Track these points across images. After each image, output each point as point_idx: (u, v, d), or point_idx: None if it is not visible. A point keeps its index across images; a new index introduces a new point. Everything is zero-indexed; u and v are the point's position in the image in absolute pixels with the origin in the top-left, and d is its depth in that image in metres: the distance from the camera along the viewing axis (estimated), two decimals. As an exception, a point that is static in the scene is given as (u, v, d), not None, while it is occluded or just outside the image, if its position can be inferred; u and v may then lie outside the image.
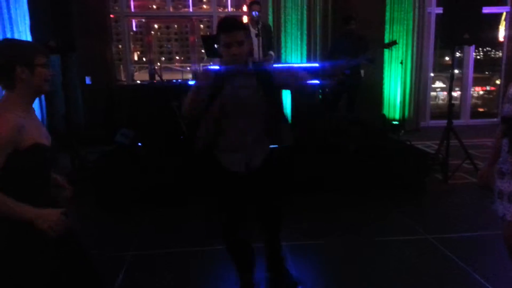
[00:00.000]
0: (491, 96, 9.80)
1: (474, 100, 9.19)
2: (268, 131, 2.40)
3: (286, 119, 2.65)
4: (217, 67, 2.46)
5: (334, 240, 3.43)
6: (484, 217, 3.79)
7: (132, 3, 8.19)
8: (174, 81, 7.06)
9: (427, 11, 7.43)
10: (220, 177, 2.41)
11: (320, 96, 6.06)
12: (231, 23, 2.18)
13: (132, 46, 9.64)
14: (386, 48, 5.70)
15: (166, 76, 7.94)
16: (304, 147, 4.46)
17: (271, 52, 5.81)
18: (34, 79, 1.66)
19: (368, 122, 6.00)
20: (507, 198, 2.07)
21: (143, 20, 9.40)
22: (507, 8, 8.06)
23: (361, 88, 6.17)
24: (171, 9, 8.63)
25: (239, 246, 2.54)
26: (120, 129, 4.94)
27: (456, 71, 7.86)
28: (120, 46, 8.31)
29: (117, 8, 7.66)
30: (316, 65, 6.06)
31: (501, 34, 8.37)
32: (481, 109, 9.67)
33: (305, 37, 6.91)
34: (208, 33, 10.17)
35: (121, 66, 8.42)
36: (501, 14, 8.28)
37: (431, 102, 8.62)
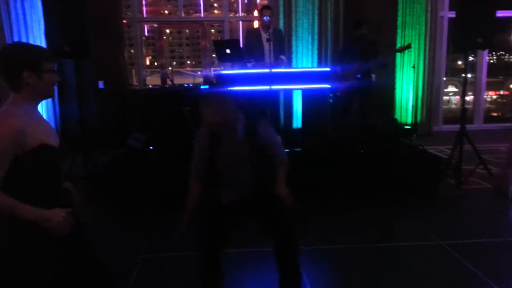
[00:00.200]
0: (505, 100, 9.69)
1: (487, 105, 9.09)
2: (254, 166, 2.37)
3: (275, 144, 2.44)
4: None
5: (344, 244, 3.40)
6: (498, 222, 3.74)
7: (144, 9, 8.29)
8: (186, 85, 7.09)
9: (439, 15, 7.37)
10: (209, 209, 2.45)
11: (331, 100, 6.04)
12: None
13: (144, 50, 9.76)
14: (400, 52, 5.67)
15: (178, 81, 7.97)
16: (315, 151, 4.44)
17: (283, 57, 5.81)
18: (41, 84, 1.67)
19: (380, 126, 5.96)
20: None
21: (155, 25, 9.50)
22: (521, 12, 7.96)
23: (372, 93, 6.14)
24: (182, 14, 8.72)
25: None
26: (132, 133, 4.99)
27: (469, 75, 7.78)
28: (132, 51, 8.40)
29: (129, 13, 7.76)
30: (328, 69, 6.04)
31: (515, 38, 8.28)
32: (494, 114, 9.57)
33: (316, 41, 6.90)
34: (219, 38, 10.22)
35: (133, 70, 8.52)
36: (515, 18, 8.18)
37: (444, 107, 8.53)
